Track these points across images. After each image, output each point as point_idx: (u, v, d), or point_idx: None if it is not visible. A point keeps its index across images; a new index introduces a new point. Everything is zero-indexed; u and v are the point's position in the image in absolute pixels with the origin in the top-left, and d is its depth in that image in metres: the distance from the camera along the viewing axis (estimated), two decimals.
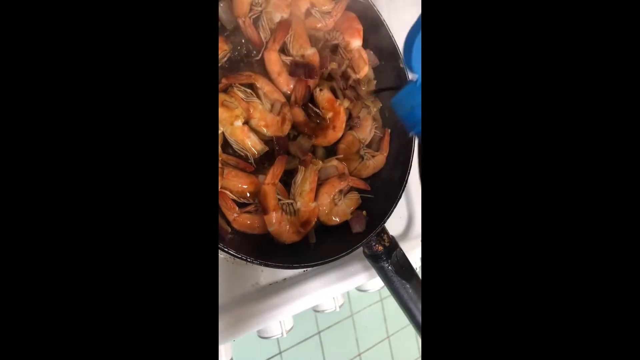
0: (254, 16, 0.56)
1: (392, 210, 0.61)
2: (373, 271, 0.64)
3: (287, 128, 0.58)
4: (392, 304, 0.64)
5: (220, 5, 0.55)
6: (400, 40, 0.64)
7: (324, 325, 1.61)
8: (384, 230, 0.61)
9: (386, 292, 0.63)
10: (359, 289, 0.75)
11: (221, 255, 0.55)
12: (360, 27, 0.63)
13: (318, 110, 0.60)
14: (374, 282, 0.74)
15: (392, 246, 0.60)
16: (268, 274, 0.62)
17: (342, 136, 0.63)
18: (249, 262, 0.49)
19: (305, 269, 0.64)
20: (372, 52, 0.66)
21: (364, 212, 0.62)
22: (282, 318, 0.61)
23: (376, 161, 0.64)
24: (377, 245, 0.60)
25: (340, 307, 0.72)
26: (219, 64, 0.55)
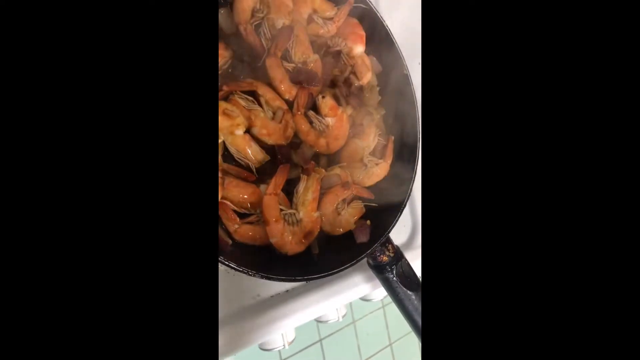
0: (255, 23, 0.55)
1: (397, 219, 0.59)
2: (377, 281, 0.62)
3: (289, 136, 0.56)
4: (394, 311, 0.63)
5: (221, 12, 0.54)
6: (401, 44, 0.64)
7: (326, 333, 1.59)
8: (389, 240, 0.59)
9: (388, 299, 0.62)
10: (363, 299, 0.73)
11: (221, 267, 0.54)
12: (362, 33, 0.62)
13: (321, 118, 0.59)
14: (378, 292, 0.72)
15: (397, 256, 0.59)
16: (270, 286, 0.60)
17: (345, 144, 0.61)
18: (251, 275, 0.47)
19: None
20: (375, 58, 0.65)
21: (368, 222, 0.60)
22: (284, 331, 0.59)
23: (380, 169, 0.63)
24: (381, 256, 0.58)
25: (343, 317, 0.71)
26: (220, 72, 0.53)
